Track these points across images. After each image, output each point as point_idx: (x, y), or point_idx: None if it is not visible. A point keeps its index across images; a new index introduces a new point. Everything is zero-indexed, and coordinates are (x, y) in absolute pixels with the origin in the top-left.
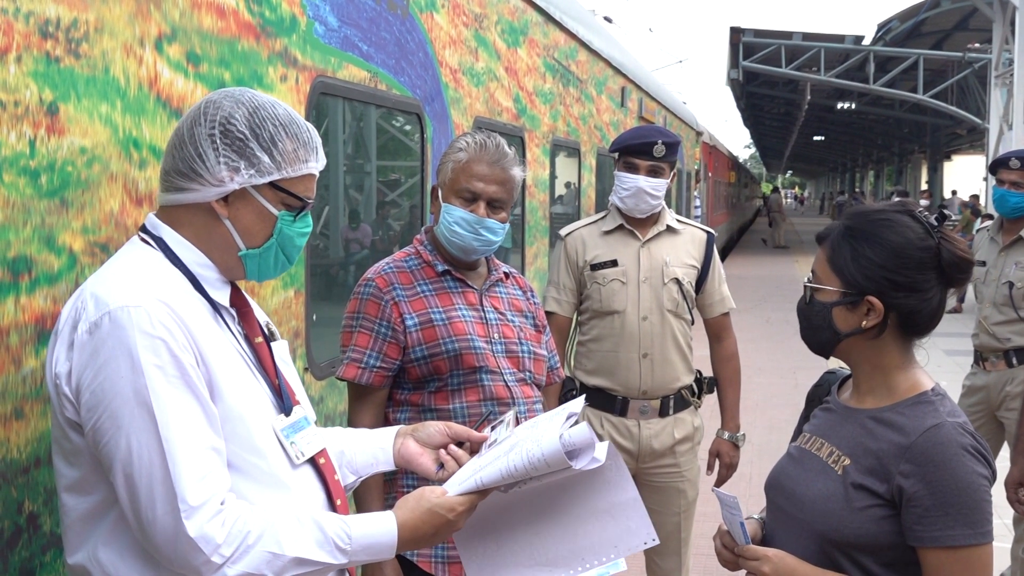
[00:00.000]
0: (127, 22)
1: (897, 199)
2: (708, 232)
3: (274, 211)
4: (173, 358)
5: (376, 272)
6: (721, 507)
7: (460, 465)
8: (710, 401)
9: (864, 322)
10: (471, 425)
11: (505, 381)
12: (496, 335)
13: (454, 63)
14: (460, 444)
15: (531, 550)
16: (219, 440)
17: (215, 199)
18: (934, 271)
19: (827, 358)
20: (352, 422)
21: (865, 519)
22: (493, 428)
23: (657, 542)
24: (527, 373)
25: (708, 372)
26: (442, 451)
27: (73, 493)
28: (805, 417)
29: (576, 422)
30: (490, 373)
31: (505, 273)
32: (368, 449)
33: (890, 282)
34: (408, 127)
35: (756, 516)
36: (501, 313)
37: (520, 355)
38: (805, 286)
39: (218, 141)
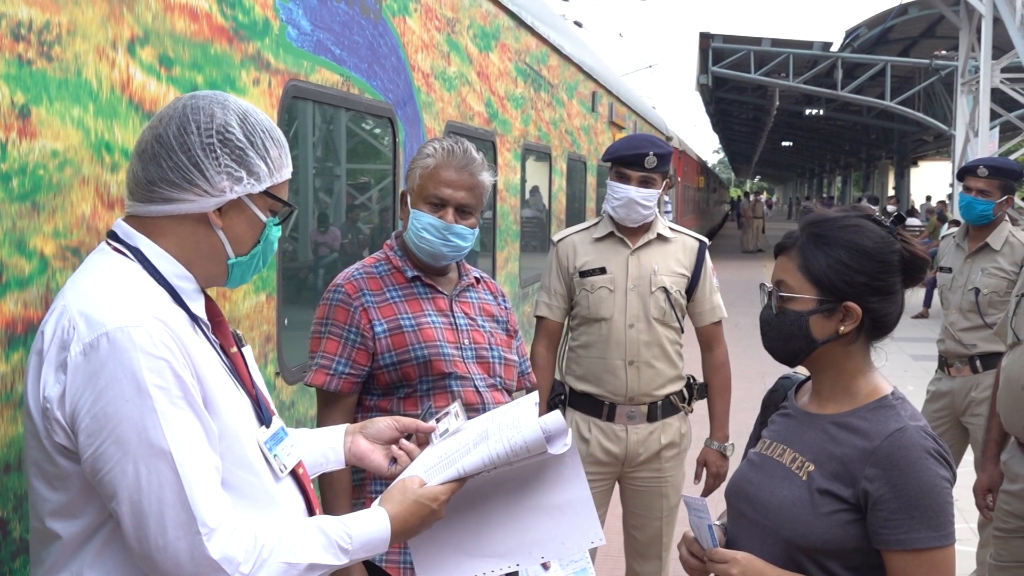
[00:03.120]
0: (100, 25)
1: (850, 204)
2: (701, 241)
3: (263, 218)
4: (177, 378)
5: (345, 278)
6: (688, 512)
7: (411, 459)
8: (702, 408)
9: (841, 328)
10: None
11: (476, 387)
12: (466, 341)
13: (426, 67)
14: (408, 437)
15: (479, 540)
16: (218, 459)
17: (212, 209)
18: (900, 273)
19: (794, 367)
20: None
21: (831, 524)
22: (438, 420)
23: (604, 542)
24: (498, 379)
25: (701, 378)
26: (394, 447)
27: (58, 518)
28: (762, 423)
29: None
30: (460, 379)
31: (476, 278)
32: (318, 449)
33: (867, 287)
34: (380, 131)
35: (717, 523)
36: (472, 319)
37: (491, 360)
38: (776, 296)
39: (218, 150)
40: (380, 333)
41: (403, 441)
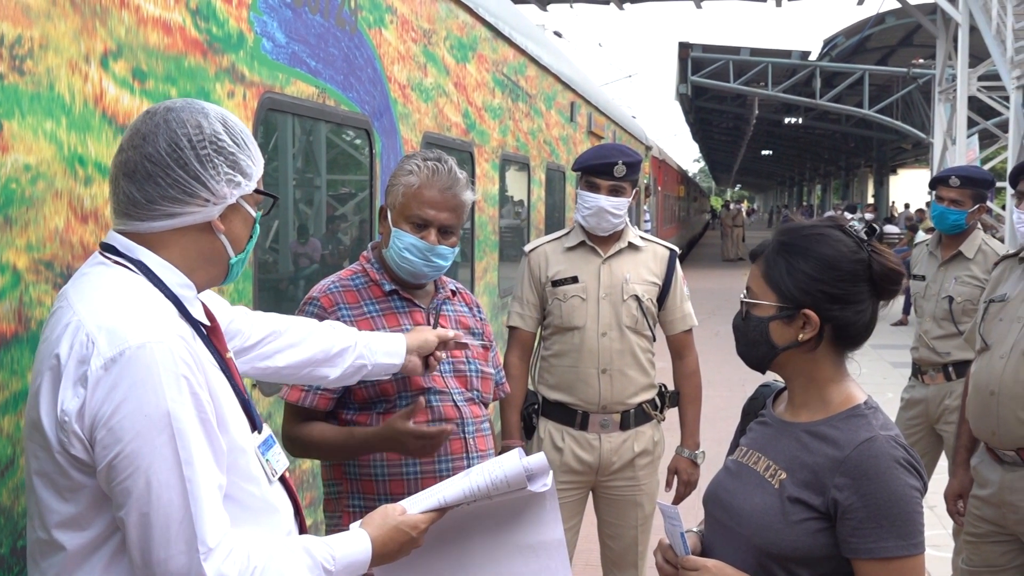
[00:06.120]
0: (72, 39)
1: (828, 214)
2: (671, 249)
3: (253, 213)
4: (193, 396)
5: (321, 291)
6: (664, 519)
7: (439, 362)
8: (674, 416)
9: (800, 335)
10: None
11: (454, 401)
12: (444, 355)
13: (403, 79)
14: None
15: (453, 574)
16: (223, 477)
17: (216, 217)
18: (866, 283)
19: (763, 373)
20: None
21: (801, 532)
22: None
23: None
24: (475, 392)
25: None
26: (431, 358)
27: (66, 529)
28: (741, 431)
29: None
30: (438, 393)
31: (452, 290)
32: (387, 358)
33: (825, 295)
34: (357, 142)
35: (695, 529)
36: None
37: (468, 374)
38: (742, 302)
39: (215, 159)
40: None
41: (436, 352)
